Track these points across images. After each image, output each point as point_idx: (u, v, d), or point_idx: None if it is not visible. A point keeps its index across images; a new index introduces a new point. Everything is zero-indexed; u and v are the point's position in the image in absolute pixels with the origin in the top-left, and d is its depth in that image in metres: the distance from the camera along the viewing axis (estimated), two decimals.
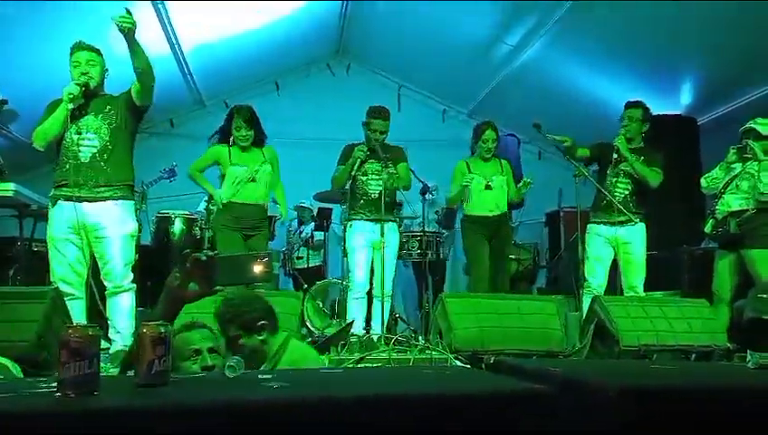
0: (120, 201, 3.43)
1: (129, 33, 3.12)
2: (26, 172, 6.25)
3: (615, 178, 4.31)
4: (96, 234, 3.35)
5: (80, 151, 3.35)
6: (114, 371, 3.01)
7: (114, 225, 3.38)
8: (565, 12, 5.51)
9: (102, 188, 3.37)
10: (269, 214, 4.48)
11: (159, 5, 5.30)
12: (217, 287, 1.47)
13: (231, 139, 4.23)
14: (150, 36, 5.41)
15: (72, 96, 3.24)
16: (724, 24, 5.03)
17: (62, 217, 3.31)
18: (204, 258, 1.43)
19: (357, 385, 1.42)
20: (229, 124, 4.25)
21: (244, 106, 4.31)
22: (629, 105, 4.37)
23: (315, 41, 7.57)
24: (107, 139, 3.40)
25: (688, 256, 5.12)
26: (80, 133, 3.35)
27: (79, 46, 3.41)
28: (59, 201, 3.34)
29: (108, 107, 3.43)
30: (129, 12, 3.10)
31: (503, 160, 4.85)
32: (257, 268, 1.44)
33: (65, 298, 3.17)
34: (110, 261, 3.37)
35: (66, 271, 3.31)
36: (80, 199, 3.31)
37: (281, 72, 7.72)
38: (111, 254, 3.36)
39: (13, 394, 1.16)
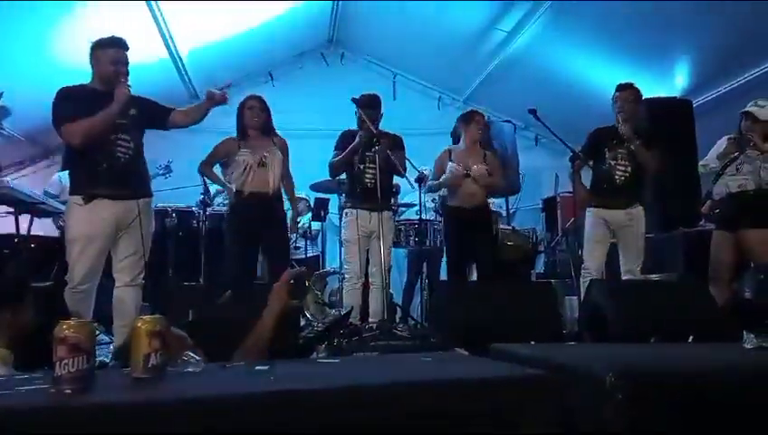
0: (148, 199, 3.51)
1: (214, 106, 3.55)
2: (20, 169, 6.24)
3: (614, 162, 4.26)
4: (127, 230, 3.36)
5: (117, 151, 3.34)
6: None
7: (143, 221, 3.40)
8: None
9: (136, 187, 3.40)
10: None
11: (155, 10, 5.36)
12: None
13: (241, 127, 4.20)
14: (148, 39, 5.46)
15: (125, 102, 3.27)
16: (720, 5, 4.99)
17: (93, 216, 3.28)
18: (303, 271, 1.56)
19: (354, 375, 1.42)
20: (241, 115, 4.21)
21: (255, 94, 4.35)
22: (621, 87, 4.30)
23: (308, 31, 7.54)
24: (138, 140, 3.45)
25: (685, 237, 5.12)
26: (116, 134, 3.34)
27: (118, 42, 3.36)
28: (94, 200, 3.29)
29: (133, 110, 3.42)
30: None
31: (488, 151, 4.84)
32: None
33: (81, 295, 3.20)
34: (132, 256, 3.38)
35: (87, 269, 3.26)
36: (114, 198, 3.31)
37: (275, 64, 7.67)
38: (135, 249, 3.38)
39: (8, 391, 1.16)
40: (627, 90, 4.28)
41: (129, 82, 3.30)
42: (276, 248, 4.20)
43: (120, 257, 3.39)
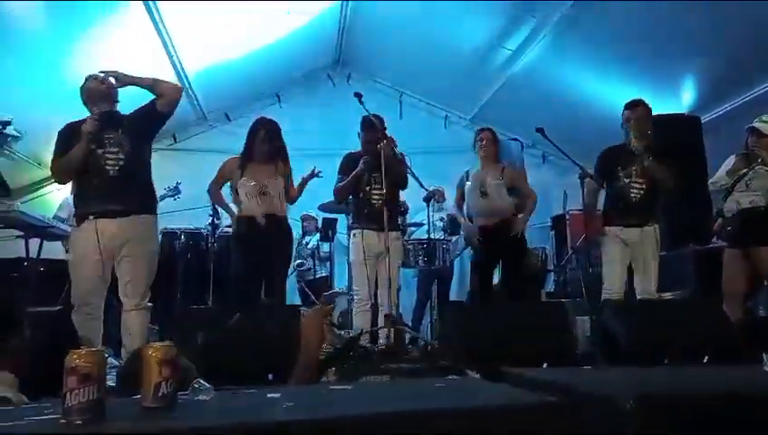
0: (147, 216, 3.43)
1: (117, 85, 3.38)
2: (31, 192, 6.27)
3: (629, 180, 4.19)
4: (124, 251, 3.30)
5: (105, 167, 3.31)
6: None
7: (142, 241, 3.36)
8: (563, 14, 5.51)
9: (129, 205, 3.33)
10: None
11: (163, 32, 5.42)
12: None
13: (247, 151, 4.16)
14: (156, 61, 5.53)
15: (90, 135, 3.26)
16: (724, 21, 5.00)
17: (89, 236, 3.24)
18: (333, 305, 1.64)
19: (368, 402, 1.40)
20: (251, 137, 4.16)
21: (268, 118, 4.27)
22: (631, 105, 4.25)
23: (315, 52, 7.60)
24: (130, 153, 3.37)
25: (697, 255, 5.07)
26: (103, 149, 3.32)
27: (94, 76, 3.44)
28: (86, 220, 3.28)
29: (126, 122, 3.42)
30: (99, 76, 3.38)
31: (505, 167, 4.81)
32: None
33: (85, 317, 3.18)
34: (134, 278, 3.32)
35: (89, 292, 3.24)
36: (107, 216, 3.27)
37: (282, 84, 7.73)
38: (136, 271, 3.33)
39: (18, 422, 1.14)
40: (638, 107, 4.24)
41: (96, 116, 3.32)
42: (277, 270, 4.17)
43: (123, 281, 3.34)
